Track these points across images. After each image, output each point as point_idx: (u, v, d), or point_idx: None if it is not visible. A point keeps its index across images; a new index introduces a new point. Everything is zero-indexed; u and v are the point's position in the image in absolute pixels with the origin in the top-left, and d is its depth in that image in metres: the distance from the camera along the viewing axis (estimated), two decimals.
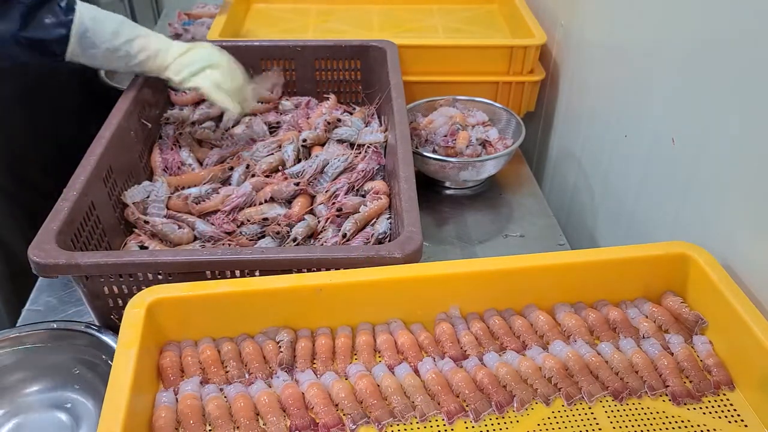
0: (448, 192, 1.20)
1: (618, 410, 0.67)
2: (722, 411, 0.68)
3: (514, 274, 0.76)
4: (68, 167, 0.85)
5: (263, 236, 0.92)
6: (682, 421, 0.66)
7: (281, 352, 0.72)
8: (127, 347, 0.64)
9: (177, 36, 1.52)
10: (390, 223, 0.92)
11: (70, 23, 0.91)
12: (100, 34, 0.94)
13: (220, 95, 1.00)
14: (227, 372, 0.70)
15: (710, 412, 0.67)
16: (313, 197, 0.99)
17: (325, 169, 1.02)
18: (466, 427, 0.66)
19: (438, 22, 1.49)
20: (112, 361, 0.63)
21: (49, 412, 0.79)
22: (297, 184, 0.98)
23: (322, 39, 1.28)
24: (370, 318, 0.77)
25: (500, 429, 0.66)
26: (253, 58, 1.21)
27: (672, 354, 0.73)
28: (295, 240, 0.90)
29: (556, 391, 0.69)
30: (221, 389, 0.68)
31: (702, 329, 0.76)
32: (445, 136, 1.17)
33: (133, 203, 0.93)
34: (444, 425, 0.66)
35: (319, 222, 0.94)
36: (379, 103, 1.16)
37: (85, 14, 0.92)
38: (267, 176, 1.02)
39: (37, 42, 0.91)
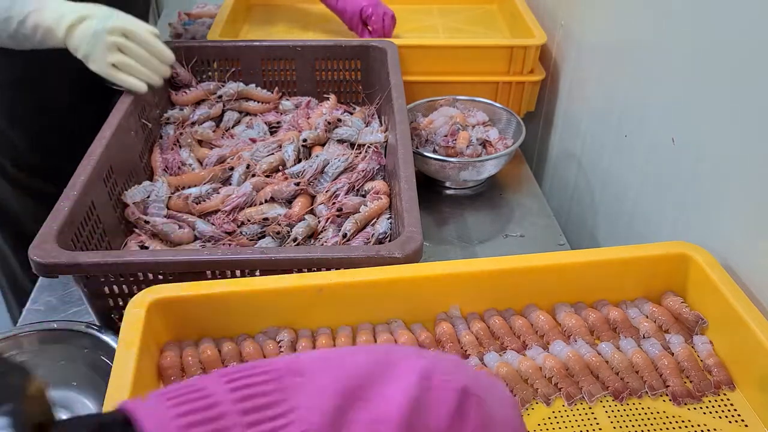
0: (448, 192, 1.20)
1: (618, 410, 0.68)
2: (722, 411, 0.68)
3: (514, 274, 0.76)
4: (68, 167, 0.85)
5: (263, 236, 0.92)
6: (683, 421, 0.67)
7: (281, 352, 0.72)
8: (127, 347, 0.64)
9: (177, 36, 1.52)
10: (390, 223, 0.92)
11: None
12: None
13: (119, 75, 0.94)
14: None
15: (710, 412, 0.68)
16: (313, 197, 0.99)
17: (325, 169, 1.02)
18: None
19: (438, 22, 1.49)
20: (112, 361, 0.63)
21: None
22: (297, 184, 0.98)
23: (322, 39, 1.28)
24: (370, 318, 0.77)
25: None
26: (253, 58, 1.21)
27: (672, 354, 0.73)
28: (295, 240, 0.90)
29: (556, 390, 0.69)
30: None
31: (702, 329, 0.76)
32: (446, 136, 1.17)
33: (133, 203, 0.93)
34: None
35: (319, 222, 0.94)
36: (380, 103, 1.16)
37: None
38: (267, 176, 1.02)
39: None
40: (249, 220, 0.93)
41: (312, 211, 0.96)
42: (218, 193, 0.98)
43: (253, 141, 1.10)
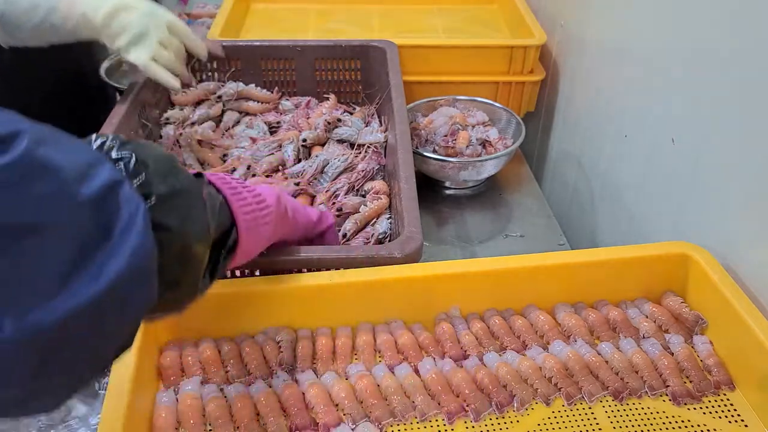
0: (448, 192, 1.20)
1: (618, 410, 0.68)
2: (722, 411, 0.68)
3: (514, 274, 0.76)
4: None
5: None
6: (682, 421, 0.67)
7: (281, 352, 0.72)
8: None
9: None
10: (390, 223, 0.92)
11: None
12: (17, 13, 0.85)
13: (159, 71, 0.90)
14: (227, 372, 0.70)
15: (710, 412, 0.68)
16: (313, 197, 0.99)
17: (325, 169, 1.02)
18: (466, 427, 0.66)
19: (438, 22, 1.49)
20: None
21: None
22: (297, 184, 0.98)
23: (322, 39, 1.28)
24: (370, 318, 0.77)
25: (500, 429, 0.66)
26: (253, 58, 1.21)
27: (672, 354, 0.73)
28: None
29: (556, 390, 0.69)
30: (221, 389, 0.68)
31: (702, 329, 0.76)
32: (445, 136, 1.17)
33: None
34: (444, 425, 0.66)
35: None
36: (379, 103, 1.16)
37: None
38: (267, 176, 1.02)
39: None
40: None
41: None
42: None
43: (254, 141, 1.10)
